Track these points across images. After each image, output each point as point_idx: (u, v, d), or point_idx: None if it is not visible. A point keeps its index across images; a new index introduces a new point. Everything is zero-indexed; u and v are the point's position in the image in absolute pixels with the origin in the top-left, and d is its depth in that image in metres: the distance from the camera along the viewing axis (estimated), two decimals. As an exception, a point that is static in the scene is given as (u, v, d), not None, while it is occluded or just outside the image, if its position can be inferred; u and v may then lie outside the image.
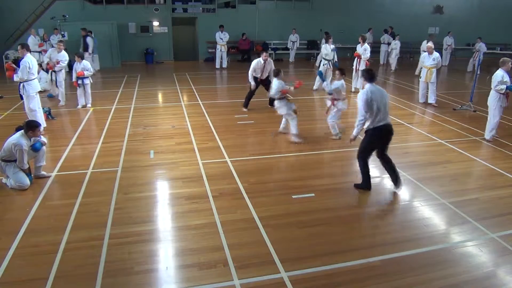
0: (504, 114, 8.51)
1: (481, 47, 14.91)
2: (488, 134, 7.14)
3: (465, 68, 16.14)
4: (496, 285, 3.40)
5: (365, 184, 5.05)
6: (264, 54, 8.56)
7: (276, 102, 6.92)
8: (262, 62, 8.55)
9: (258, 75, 8.69)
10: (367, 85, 4.79)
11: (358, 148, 5.04)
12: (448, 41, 17.03)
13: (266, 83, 8.81)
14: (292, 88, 6.93)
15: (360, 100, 4.69)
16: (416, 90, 10.95)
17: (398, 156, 6.25)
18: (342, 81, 6.91)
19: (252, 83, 8.69)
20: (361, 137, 5.05)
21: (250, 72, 8.71)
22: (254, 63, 8.66)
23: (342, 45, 17.50)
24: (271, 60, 8.85)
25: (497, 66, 7.04)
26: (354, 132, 4.90)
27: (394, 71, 15.39)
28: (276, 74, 6.97)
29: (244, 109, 8.91)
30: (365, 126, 4.82)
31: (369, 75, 4.83)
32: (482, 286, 3.37)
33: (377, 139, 4.87)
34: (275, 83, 6.81)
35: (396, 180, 4.99)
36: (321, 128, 8.14)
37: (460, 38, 18.17)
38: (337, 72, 7.04)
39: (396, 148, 6.66)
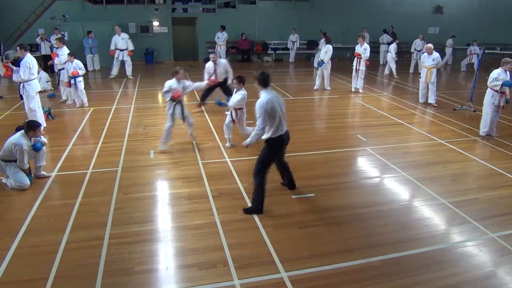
0: (504, 114, 8.56)
1: (475, 49, 15.14)
2: (481, 130, 7.25)
3: (466, 68, 16.18)
4: (496, 285, 3.40)
5: (257, 206, 4.45)
6: (212, 55, 8.44)
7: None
8: (212, 64, 8.43)
9: (213, 77, 8.47)
10: (263, 92, 4.24)
11: (255, 164, 4.44)
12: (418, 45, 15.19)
13: (223, 85, 8.64)
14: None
15: (259, 109, 4.15)
16: (416, 90, 10.95)
17: (398, 156, 6.26)
18: (244, 91, 6.25)
19: (205, 82, 8.31)
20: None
21: (205, 73, 8.58)
22: (206, 65, 8.59)
23: (342, 45, 17.52)
24: (224, 61, 8.64)
25: (496, 66, 7.08)
26: (248, 140, 4.39)
27: (394, 76, 14.09)
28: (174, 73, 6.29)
29: (201, 103, 8.85)
30: (264, 136, 4.33)
31: (263, 80, 4.25)
32: (482, 286, 3.37)
33: (279, 148, 4.49)
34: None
35: (292, 185, 4.95)
36: (320, 128, 8.15)
37: (460, 38, 18.18)
38: (234, 81, 6.26)
39: (396, 148, 6.67)
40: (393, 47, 14.13)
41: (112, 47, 13.16)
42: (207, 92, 8.84)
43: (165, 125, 6.40)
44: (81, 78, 9.09)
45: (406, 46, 17.33)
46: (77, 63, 9.00)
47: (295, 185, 5.02)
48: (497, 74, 6.92)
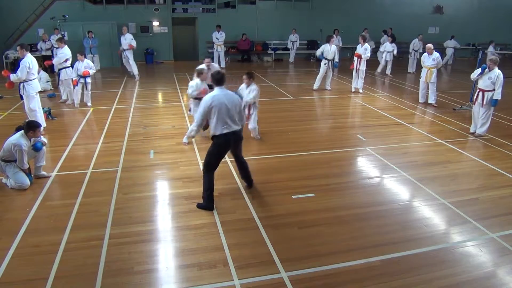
0: (504, 114, 8.59)
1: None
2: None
3: (466, 68, 16.17)
4: (496, 285, 3.40)
5: (208, 203, 4.55)
6: (206, 60, 8.25)
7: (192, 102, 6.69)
8: (206, 68, 8.07)
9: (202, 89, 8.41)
10: (215, 90, 4.44)
11: (204, 161, 4.63)
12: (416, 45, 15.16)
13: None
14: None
15: (200, 106, 4.41)
16: (416, 90, 10.95)
17: (398, 156, 6.26)
18: (255, 86, 6.57)
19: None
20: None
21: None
22: (198, 68, 8.45)
23: (342, 45, 17.51)
24: (216, 65, 8.49)
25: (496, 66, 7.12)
26: (190, 133, 4.83)
27: (389, 75, 14.28)
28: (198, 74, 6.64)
29: None
30: (211, 133, 4.50)
31: (216, 78, 4.43)
32: (482, 286, 3.37)
33: (224, 147, 4.53)
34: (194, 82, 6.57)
35: (249, 183, 5.06)
36: (320, 128, 8.15)
37: (460, 38, 18.19)
38: (244, 76, 6.51)
39: (396, 148, 6.67)
40: (390, 47, 14.36)
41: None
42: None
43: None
44: (89, 79, 9.20)
45: (406, 46, 17.31)
46: (88, 62, 9.15)
47: (252, 183, 5.07)
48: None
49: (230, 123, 4.39)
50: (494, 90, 7.00)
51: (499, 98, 7.02)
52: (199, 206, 4.58)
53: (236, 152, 4.86)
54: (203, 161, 4.67)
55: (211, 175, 4.55)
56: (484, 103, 7.10)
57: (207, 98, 4.36)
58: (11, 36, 15.37)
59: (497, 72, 7.02)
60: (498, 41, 19.00)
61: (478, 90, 7.25)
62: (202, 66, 8.30)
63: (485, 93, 7.10)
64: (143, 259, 3.65)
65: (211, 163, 4.54)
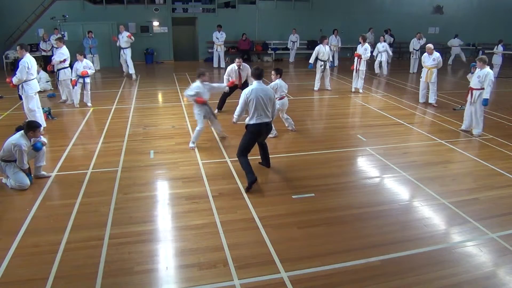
0: (504, 114, 8.59)
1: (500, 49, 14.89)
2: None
3: (466, 68, 16.15)
4: (496, 285, 3.40)
5: (251, 178, 4.94)
6: (237, 60, 8.36)
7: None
8: (236, 68, 8.32)
9: (233, 79, 8.38)
10: (254, 83, 5.00)
11: (238, 147, 5.19)
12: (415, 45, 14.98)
13: (244, 88, 8.50)
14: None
15: (241, 98, 4.97)
16: (416, 90, 10.95)
17: (398, 156, 6.26)
18: (278, 81, 6.84)
19: (226, 88, 8.07)
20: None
21: (225, 76, 8.53)
22: (229, 68, 8.48)
23: (342, 45, 17.54)
24: (247, 66, 8.57)
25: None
26: (234, 119, 5.31)
27: (383, 76, 14.17)
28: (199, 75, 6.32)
29: (218, 111, 8.48)
30: (246, 121, 5.07)
31: (256, 73, 5.02)
32: (482, 286, 3.37)
33: (255, 134, 5.10)
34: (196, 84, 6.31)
35: (268, 164, 5.65)
36: (320, 128, 8.15)
37: (460, 38, 18.17)
38: (272, 72, 6.91)
39: (396, 148, 6.67)
40: (381, 47, 14.21)
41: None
42: (224, 99, 8.68)
43: (196, 127, 6.41)
44: (89, 79, 9.19)
45: (406, 46, 17.32)
46: (87, 62, 9.14)
47: (270, 164, 5.66)
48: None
49: (263, 114, 4.95)
50: (483, 89, 7.01)
51: (488, 97, 7.00)
52: (247, 189, 4.93)
53: (262, 140, 5.42)
54: (238, 147, 5.18)
55: (245, 157, 5.08)
56: (473, 101, 7.13)
57: (246, 91, 4.90)
58: (11, 36, 15.37)
59: (486, 71, 7.00)
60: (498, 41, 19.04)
61: (469, 89, 7.29)
62: (233, 66, 8.35)
63: (474, 91, 7.13)
64: (143, 259, 3.65)
65: (246, 148, 5.11)
